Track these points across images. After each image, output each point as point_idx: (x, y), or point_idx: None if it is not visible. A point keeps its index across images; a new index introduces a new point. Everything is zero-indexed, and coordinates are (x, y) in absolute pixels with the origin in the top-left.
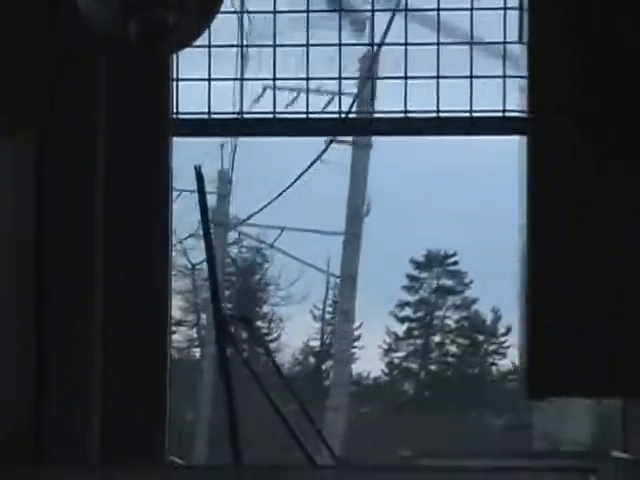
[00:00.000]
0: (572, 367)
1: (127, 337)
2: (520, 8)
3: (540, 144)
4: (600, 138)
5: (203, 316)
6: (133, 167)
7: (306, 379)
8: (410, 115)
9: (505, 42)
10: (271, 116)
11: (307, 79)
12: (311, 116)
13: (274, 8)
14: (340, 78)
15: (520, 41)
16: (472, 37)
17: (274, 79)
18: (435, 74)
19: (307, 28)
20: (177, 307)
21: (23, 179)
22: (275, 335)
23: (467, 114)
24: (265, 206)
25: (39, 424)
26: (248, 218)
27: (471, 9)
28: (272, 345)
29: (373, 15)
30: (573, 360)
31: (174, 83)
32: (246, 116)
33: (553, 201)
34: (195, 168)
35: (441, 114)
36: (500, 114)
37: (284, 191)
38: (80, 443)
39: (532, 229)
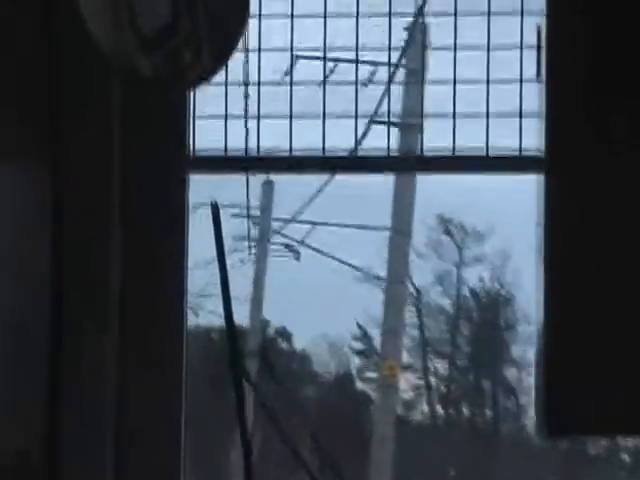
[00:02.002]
0: (592, 404)
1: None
2: (538, 46)
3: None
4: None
5: None
6: (149, 204)
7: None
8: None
9: (522, 80)
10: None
11: (323, 117)
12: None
13: (291, 46)
14: (357, 117)
15: (538, 79)
16: (488, 75)
17: (290, 117)
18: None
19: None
20: None
21: (39, 214)
22: None
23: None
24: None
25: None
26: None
27: (487, 50)
28: None
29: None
30: (593, 397)
31: (191, 119)
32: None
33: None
34: (211, 203)
35: (456, 152)
36: (517, 153)
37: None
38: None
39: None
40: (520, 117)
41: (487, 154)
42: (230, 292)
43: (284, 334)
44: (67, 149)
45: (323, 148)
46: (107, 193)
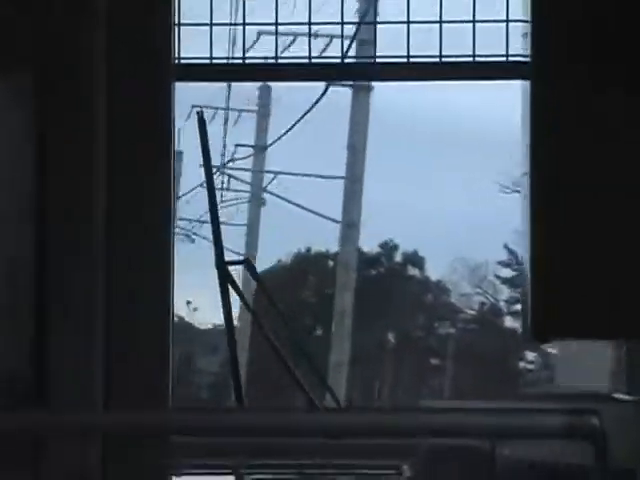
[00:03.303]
0: (577, 309)
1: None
2: None
3: (543, 89)
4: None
5: None
6: (135, 113)
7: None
8: (412, 60)
9: None
10: (273, 60)
11: (309, 24)
12: (313, 60)
13: None
14: (342, 23)
15: None
16: None
17: (276, 24)
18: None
19: None
20: None
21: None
22: None
23: (470, 58)
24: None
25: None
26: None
27: None
28: None
29: None
30: (579, 302)
31: (176, 28)
32: (248, 61)
33: (556, 144)
34: (197, 113)
35: (443, 59)
36: (503, 59)
37: (282, 135)
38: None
39: (535, 163)
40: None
41: (474, 59)
42: (216, 198)
43: (415, 260)
44: (50, 68)
45: (309, 56)
46: (91, 103)
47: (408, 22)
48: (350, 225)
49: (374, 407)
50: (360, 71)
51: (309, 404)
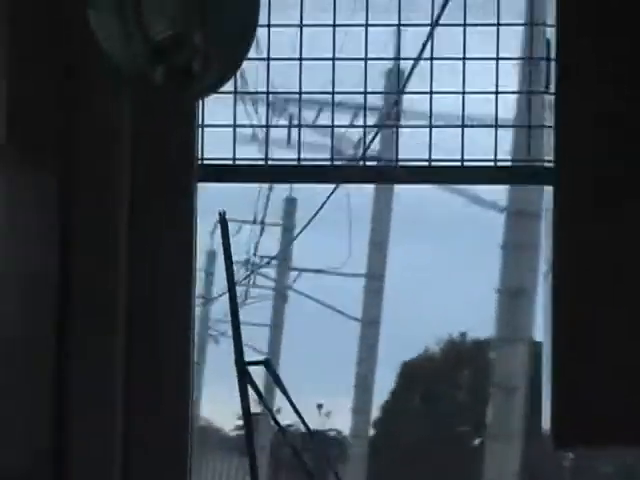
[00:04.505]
0: (599, 416)
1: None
2: (547, 59)
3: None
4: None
5: None
6: (157, 213)
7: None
8: (434, 164)
9: (530, 92)
10: (296, 163)
11: (332, 127)
12: (335, 163)
13: (300, 55)
14: (365, 126)
15: (546, 91)
16: (497, 87)
17: (299, 126)
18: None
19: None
20: None
21: (46, 216)
22: None
23: (492, 163)
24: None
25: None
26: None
27: (497, 59)
28: None
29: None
30: (600, 409)
31: (199, 129)
32: (270, 162)
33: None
34: (219, 214)
35: (465, 163)
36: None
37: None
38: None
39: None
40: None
41: (495, 165)
42: (237, 300)
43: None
44: (75, 156)
45: (332, 158)
46: (115, 201)
47: (430, 126)
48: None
49: None
50: (383, 174)
51: None
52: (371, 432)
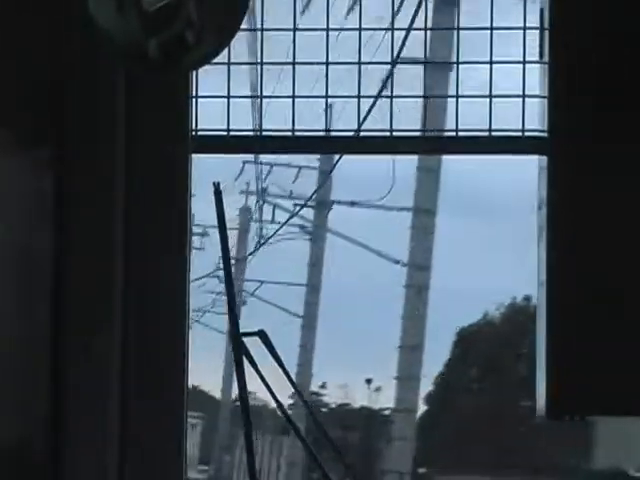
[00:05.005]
0: (591, 386)
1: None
2: (541, 28)
3: (561, 164)
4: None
5: None
6: (152, 183)
7: None
8: (427, 134)
9: (525, 61)
10: (289, 134)
11: (326, 97)
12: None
13: (294, 25)
14: (359, 97)
15: (541, 60)
16: (492, 56)
17: (293, 97)
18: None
19: (327, 47)
20: None
21: (41, 194)
22: None
23: (486, 133)
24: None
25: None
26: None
27: (491, 29)
28: None
29: (393, 33)
30: (592, 379)
31: (193, 100)
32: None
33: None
34: (214, 184)
35: (460, 133)
36: (519, 134)
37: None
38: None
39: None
40: (523, 97)
41: (490, 134)
42: (232, 273)
43: None
44: (70, 137)
45: (326, 129)
46: (110, 179)
47: (425, 96)
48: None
49: None
50: (377, 144)
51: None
52: (421, 408)
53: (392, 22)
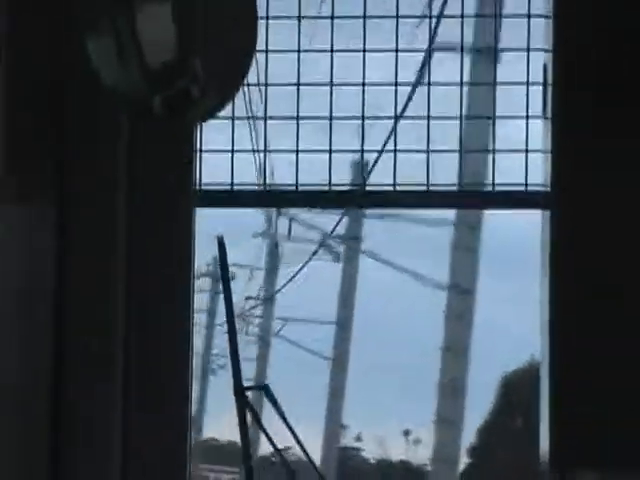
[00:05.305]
0: (597, 438)
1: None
2: (544, 84)
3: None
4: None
5: None
6: (156, 238)
7: None
8: (432, 188)
9: (528, 117)
10: (293, 188)
11: (330, 151)
12: (334, 188)
13: (297, 80)
14: (362, 151)
15: (544, 116)
16: (495, 113)
17: (297, 151)
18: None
19: (330, 101)
20: None
21: (41, 248)
22: None
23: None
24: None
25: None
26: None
27: (494, 84)
28: None
29: (396, 91)
30: (597, 431)
31: (197, 154)
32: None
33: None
34: (217, 238)
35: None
36: (522, 188)
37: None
38: None
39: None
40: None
41: (493, 189)
42: (235, 324)
43: None
44: (73, 184)
45: (329, 183)
46: (113, 229)
47: (428, 151)
48: None
49: None
50: (380, 198)
51: None
52: (463, 460)
53: (395, 82)
